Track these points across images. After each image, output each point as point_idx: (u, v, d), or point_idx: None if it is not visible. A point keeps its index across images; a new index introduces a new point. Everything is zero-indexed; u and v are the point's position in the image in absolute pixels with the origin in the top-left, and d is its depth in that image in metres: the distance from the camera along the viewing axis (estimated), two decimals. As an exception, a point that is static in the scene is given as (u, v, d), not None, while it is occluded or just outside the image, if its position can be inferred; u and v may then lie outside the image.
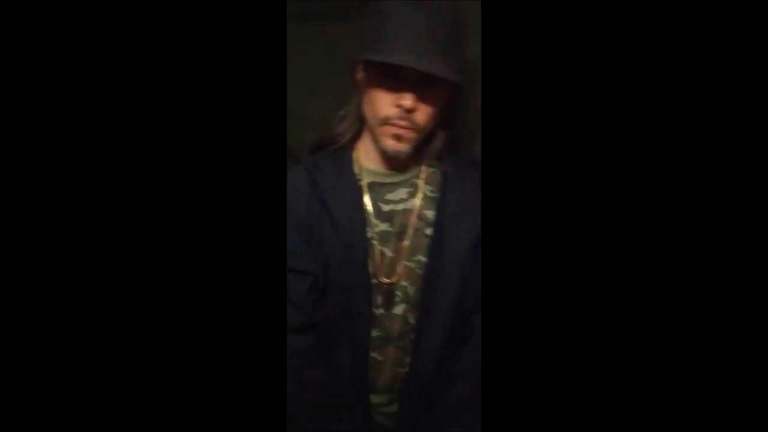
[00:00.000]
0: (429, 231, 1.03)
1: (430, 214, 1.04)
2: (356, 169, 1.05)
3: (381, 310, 1.02)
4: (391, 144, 0.99)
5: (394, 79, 0.95)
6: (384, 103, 0.97)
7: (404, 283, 1.02)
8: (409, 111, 0.96)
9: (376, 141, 1.02)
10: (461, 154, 1.12)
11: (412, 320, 1.02)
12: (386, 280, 1.01)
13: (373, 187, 1.05)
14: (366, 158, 1.06)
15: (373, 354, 1.03)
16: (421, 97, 0.96)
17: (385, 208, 1.04)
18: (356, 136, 1.07)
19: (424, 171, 1.07)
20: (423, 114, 0.98)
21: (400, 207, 1.04)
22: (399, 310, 1.03)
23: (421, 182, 1.05)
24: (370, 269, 1.02)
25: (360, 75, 1.01)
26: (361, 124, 1.05)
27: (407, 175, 1.06)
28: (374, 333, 1.02)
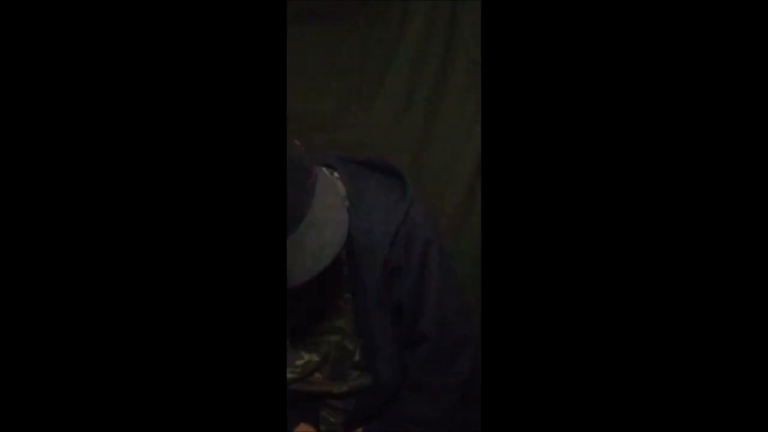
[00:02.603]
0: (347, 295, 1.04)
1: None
2: None
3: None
4: None
5: None
6: None
7: (331, 317, 1.04)
8: None
9: None
10: (353, 159, 1.07)
11: (349, 346, 1.06)
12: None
13: None
14: None
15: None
16: None
17: None
18: None
19: None
20: None
21: None
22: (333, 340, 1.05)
23: None
24: None
25: None
26: None
27: None
28: (309, 358, 1.06)
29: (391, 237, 0.99)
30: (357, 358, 1.05)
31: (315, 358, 1.06)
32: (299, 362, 1.06)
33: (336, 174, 1.03)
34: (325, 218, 0.89)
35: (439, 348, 1.03)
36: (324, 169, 1.00)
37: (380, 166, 1.07)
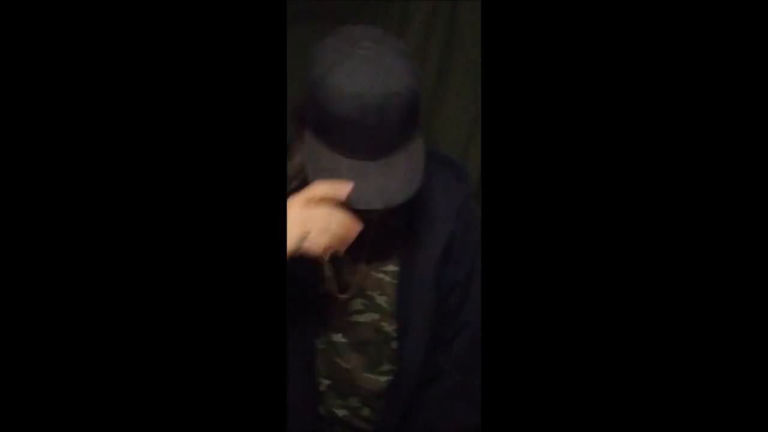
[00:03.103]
0: (393, 344, 0.98)
1: (386, 326, 0.98)
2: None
3: (346, 412, 1.01)
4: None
5: None
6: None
7: (371, 293, 0.98)
8: None
9: None
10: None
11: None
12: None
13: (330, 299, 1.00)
14: None
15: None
16: None
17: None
18: None
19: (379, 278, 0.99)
20: None
21: (353, 319, 0.99)
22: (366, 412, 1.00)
23: (375, 294, 0.98)
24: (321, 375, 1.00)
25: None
26: None
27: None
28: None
29: (455, 213, 0.97)
30: (395, 345, 0.99)
31: (342, 339, 0.99)
32: (323, 339, 0.99)
33: None
34: (411, 164, 0.85)
35: (476, 341, 0.99)
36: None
37: (436, 154, 1.05)
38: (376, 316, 0.98)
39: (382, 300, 0.98)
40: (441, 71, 1.26)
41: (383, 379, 0.99)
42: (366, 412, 1.01)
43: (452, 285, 0.98)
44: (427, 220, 0.96)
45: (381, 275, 0.98)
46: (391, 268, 0.98)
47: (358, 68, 0.80)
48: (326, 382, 1.00)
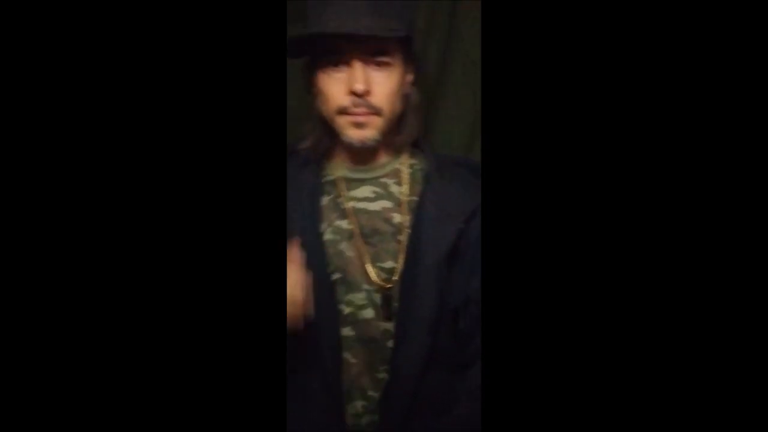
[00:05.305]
0: (400, 237, 0.97)
1: (398, 217, 0.98)
2: (326, 169, 1.02)
3: (351, 309, 0.97)
4: (353, 133, 0.93)
5: (340, 62, 0.91)
6: (336, 93, 0.92)
7: (385, 180, 1.00)
8: (363, 95, 0.91)
9: (340, 136, 0.95)
10: (445, 154, 1.09)
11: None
12: (384, 285, 0.96)
13: (336, 183, 1.00)
14: (339, 157, 1.02)
15: (345, 354, 0.97)
16: (374, 78, 0.92)
17: (346, 205, 0.98)
18: (328, 145, 1.01)
19: (397, 169, 1.01)
20: (380, 96, 0.92)
21: (362, 206, 0.99)
22: (369, 314, 0.97)
23: (390, 182, 1.00)
24: (331, 267, 0.96)
25: (310, 74, 0.96)
26: (327, 129, 0.98)
27: (377, 173, 1.01)
28: (344, 332, 0.97)
29: (470, 211, 0.96)
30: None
31: (348, 227, 0.98)
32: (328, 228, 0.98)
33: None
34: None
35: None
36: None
37: (453, 157, 1.08)
38: (388, 204, 0.99)
39: (396, 189, 0.99)
40: (441, 71, 1.25)
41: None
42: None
43: (464, 298, 0.96)
44: (437, 218, 0.95)
45: (399, 165, 1.00)
46: (413, 161, 1.01)
47: None
48: (336, 274, 0.98)
